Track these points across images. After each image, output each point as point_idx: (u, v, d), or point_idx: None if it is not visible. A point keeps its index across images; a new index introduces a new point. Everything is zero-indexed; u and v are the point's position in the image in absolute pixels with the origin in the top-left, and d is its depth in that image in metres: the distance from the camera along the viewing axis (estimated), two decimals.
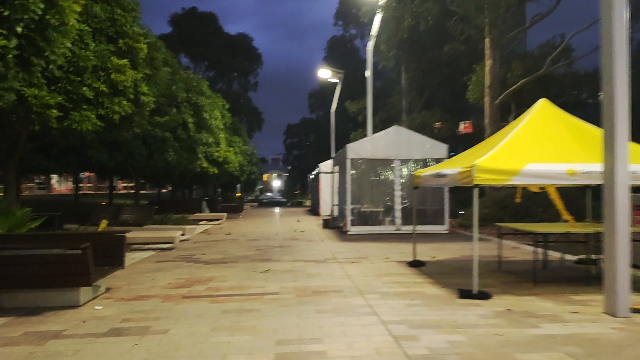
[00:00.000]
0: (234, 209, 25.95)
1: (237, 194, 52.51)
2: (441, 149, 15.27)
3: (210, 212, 24.32)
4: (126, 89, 9.54)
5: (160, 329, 5.03)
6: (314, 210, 29.18)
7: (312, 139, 70.25)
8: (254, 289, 7.00)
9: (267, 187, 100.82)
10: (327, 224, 17.93)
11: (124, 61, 9.41)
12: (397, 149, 15.15)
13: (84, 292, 6.21)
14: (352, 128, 41.08)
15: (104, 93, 9.15)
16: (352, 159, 15.19)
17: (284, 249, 11.59)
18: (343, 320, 5.25)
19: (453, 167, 7.11)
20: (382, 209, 15.44)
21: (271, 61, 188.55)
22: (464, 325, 5.05)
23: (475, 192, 6.22)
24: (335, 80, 30.98)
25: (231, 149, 24.38)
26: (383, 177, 15.99)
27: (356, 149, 15.22)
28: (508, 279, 7.59)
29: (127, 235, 12.51)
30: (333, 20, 50.93)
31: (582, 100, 22.52)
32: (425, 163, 15.24)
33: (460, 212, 18.00)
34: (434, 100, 30.80)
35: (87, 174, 49.72)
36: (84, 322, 5.34)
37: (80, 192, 60.05)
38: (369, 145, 15.26)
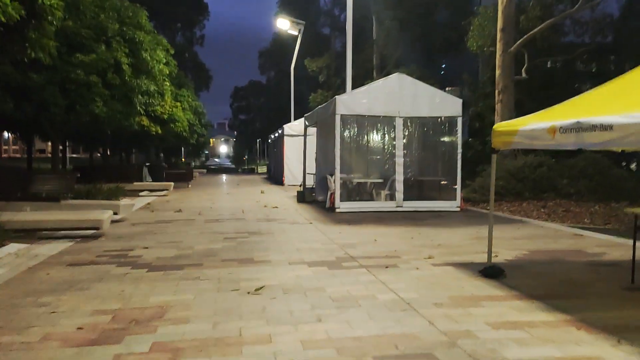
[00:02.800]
0: (182, 177, 21.93)
1: (182, 159, 47.78)
2: (454, 104, 12.04)
3: (152, 181, 20.27)
4: None
5: None
6: (275, 179, 25.61)
7: (261, 102, 65.64)
8: (250, 347, 3.54)
9: (214, 153, 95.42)
10: (303, 197, 14.49)
11: None
12: (400, 103, 11.77)
13: None
14: (307, 90, 37.18)
15: None
16: (342, 115, 11.70)
17: (265, 238, 8.10)
18: None
19: (613, 113, 3.83)
20: (380, 180, 12.16)
21: (215, 21, 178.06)
22: None
23: None
24: (294, 33, 27.40)
25: (179, 104, 20.15)
26: (380, 139, 12.66)
27: (348, 103, 11.71)
28: None
29: (33, 217, 8.63)
30: None
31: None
32: (436, 122, 12.03)
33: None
34: (410, 56, 27.55)
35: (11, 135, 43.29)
36: None
37: (4, 156, 53.08)
38: (365, 99, 11.80)
